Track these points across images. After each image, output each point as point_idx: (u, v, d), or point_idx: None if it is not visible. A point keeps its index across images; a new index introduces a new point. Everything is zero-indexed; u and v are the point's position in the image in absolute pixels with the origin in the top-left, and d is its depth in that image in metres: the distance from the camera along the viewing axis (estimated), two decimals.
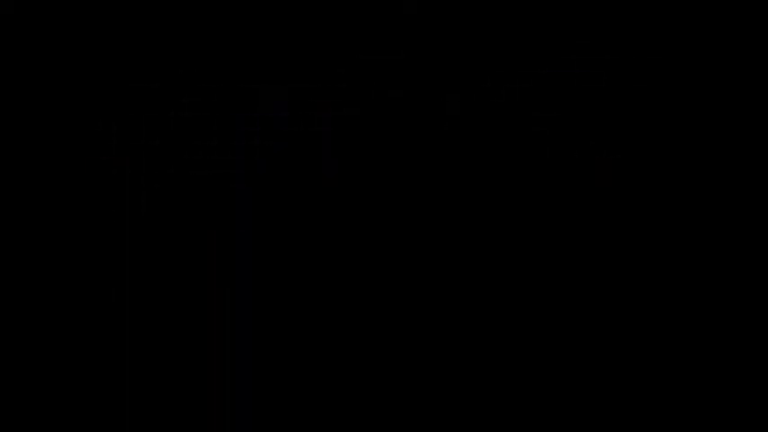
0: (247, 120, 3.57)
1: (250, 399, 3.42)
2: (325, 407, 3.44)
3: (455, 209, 3.52)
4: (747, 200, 3.45)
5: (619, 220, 3.48)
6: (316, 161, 3.54)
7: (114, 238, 3.51)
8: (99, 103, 3.56)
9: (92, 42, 3.56)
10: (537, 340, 3.45)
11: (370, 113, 3.55)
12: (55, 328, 3.42)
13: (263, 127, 3.58)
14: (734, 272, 3.43)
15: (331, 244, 3.51)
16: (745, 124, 3.48)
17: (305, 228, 3.54)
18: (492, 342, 3.45)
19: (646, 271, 3.46)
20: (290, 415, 3.44)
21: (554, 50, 3.52)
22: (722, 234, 3.46)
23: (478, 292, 3.48)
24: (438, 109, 3.54)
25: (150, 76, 3.57)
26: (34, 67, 3.54)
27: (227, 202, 3.54)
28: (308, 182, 3.53)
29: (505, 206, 3.49)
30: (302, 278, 3.51)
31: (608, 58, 3.50)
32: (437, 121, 3.54)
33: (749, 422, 3.33)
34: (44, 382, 3.38)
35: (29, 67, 3.54)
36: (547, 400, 3.41)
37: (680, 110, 3.51)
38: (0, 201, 3.47)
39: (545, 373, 3.42)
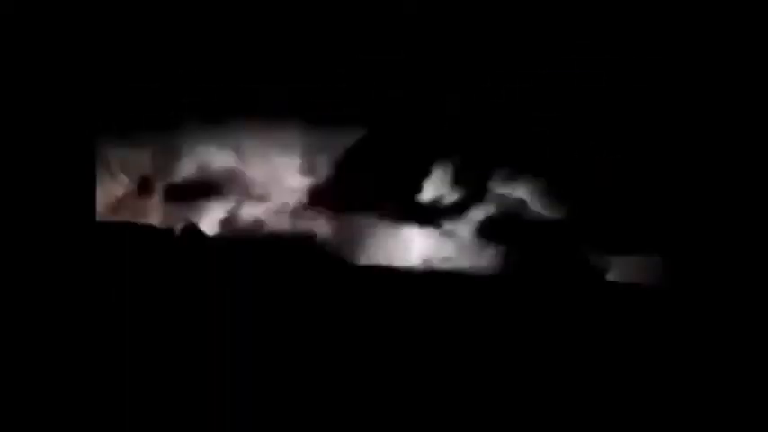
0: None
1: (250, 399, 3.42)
2: (323, 408, 3.44)
3: (455, 209, 3.53)
4: (747, 199, 3.46)
5: (618, 220, 3.49)
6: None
7: (114, 237, 3.51)
8: (98, 103, 3.56)
9: (91, 43, 3.57)
10: (533, 339, 3.45)
11: (370, 114, 3.56)
12: (55, 327, 3.42)
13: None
14: (733, 270, 3.44)
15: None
16: (745, 124, 3.49)
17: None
18: (491, 343, 3.45)
19: (644, 270, 3.47)
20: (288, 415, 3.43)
21: (554, 50, 3.53)
22: (722, 233, 3.47)
23: (478, 287, 3.48)
24: (438, 109, 3.55)
25: (150, 77, 3.58)
26: (34, 67, 3.55)
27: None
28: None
29: (505, 205, 3.50)
30: (301, 275, 3.52)
31: (608, 58, 3.51)
32: (437, 122, 3.55)
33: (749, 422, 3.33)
34: (43, 382, 3.38)
35: (29, 67, 3.55)
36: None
37: (680, 110, 3.52)
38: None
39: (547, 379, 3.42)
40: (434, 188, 3.59)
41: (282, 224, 3.71)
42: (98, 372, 3.36)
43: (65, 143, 3.52)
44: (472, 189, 3.54)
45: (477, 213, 3.56)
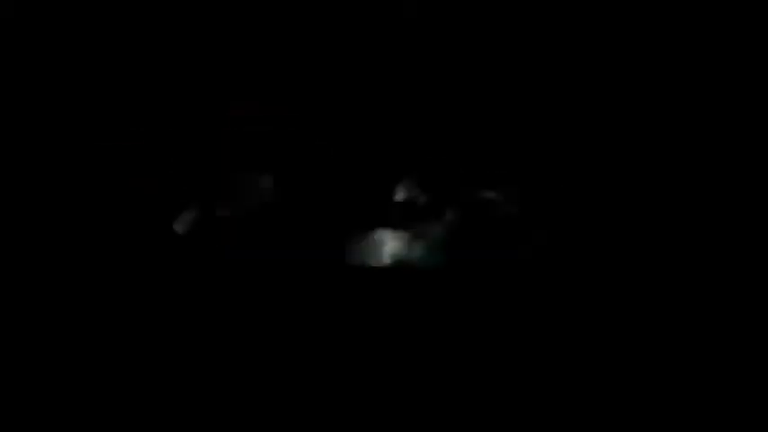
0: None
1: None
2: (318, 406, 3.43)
3: (426, 210, 3.53)
4: (747, 201, 3.46)
5: (617, 221, 3.49)
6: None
7: (112, 237, 3.51)
8: (97, 104, 3.57)
9: (90, 45, 3.58)
10: (503, 338, 3.44)
11: (369, 115, 3.57)
12: (55, 327, 3.41)
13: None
14: (734, 272, 3.44)
15: None
16: (744, 126, 3.50)
17: None
18: (461, 342, 3.45)
19: (644, 272, 3.47)
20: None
21: (554, 50, 3.54)
22: (722, 235, 3.47)
23: (448, 288, 3.49)
24: (439, 112, 3.56)
25: (149, 78, 3.58)
26: (34, 69, 3.55)
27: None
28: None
29: (477, 206, 3.51)
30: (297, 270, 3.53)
31: (607, 59, 3.53)
32: (438, 125, 3.56)
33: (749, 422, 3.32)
34: (43, 381, 3.37)
35: (29, 69, 3.55)
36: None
37: (679, 110, 3.53)
38: (0, 201, 3.48)
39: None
40: (406, 190, 3.58)
41: None
42: (97, 371, 3.35)
43: (64, 143, 3.52)
44: (444, 190, 3.54)
45: (449, 215, 3.55)
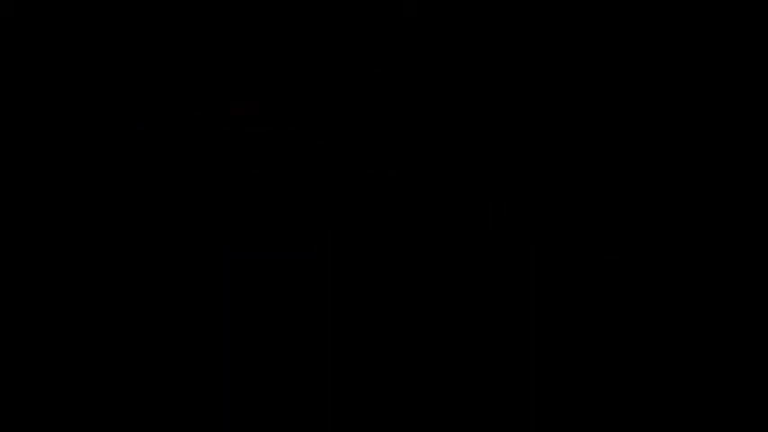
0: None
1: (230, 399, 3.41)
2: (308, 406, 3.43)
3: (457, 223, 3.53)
4: (747, 201, 3.46)
5: (617, 222, 3.49)
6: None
7: (113, 237, 3.51)
8: (97, 104, 3.56)
9: (90, 45, 3.57)
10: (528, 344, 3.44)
11: (368, 117, 3.57)
12: (54, 326, 3.41)
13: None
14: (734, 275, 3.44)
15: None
16: (745, 123, 3.50)
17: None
18: (481, 337, 3.44)
19: (644, 272, 3.46)
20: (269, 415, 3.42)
21: (554, 50, 3.54)
22: (722, 236, 3.46)
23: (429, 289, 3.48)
24: (439, 112, 3.56)
25: (149, 78, 3.58)
26: (34, 69, 3.55)
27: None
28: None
29: (506, 209, 3.50)
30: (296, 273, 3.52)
31: (607, 58, 3.53)
32: (438, 125, 3.55)
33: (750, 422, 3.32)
34: (43, 381, 3.37)
35: (29, 69, 3.55)
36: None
37: (680, 110, 3.52)
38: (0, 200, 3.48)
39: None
40: (405, 188, 3.57)
41: None
42: (97, 371, 3.35)
43: (63, 144, 3.52)
44: (442, 189, 3.53)
45: (449, 213, 3.54)
